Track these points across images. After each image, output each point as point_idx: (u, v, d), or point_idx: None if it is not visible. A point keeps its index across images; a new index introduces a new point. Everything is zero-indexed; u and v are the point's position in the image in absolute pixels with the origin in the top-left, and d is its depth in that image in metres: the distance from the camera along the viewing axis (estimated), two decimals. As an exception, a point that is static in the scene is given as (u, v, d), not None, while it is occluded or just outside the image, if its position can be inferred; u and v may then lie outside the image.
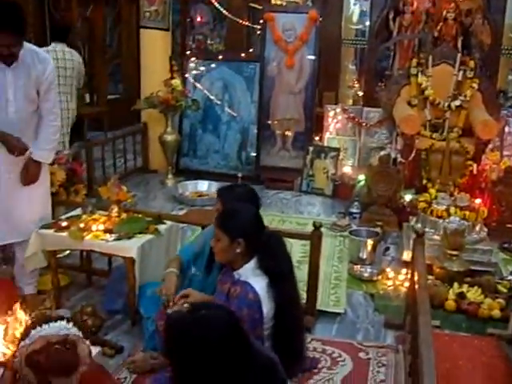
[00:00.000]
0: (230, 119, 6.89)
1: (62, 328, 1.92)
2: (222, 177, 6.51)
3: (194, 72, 6.99)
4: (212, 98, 6.86)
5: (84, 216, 3.83)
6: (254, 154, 6.82)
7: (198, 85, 6.89)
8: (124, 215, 3.82)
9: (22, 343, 1.91)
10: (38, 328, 1.90)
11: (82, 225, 3.67)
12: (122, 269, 3.93)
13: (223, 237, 2.87)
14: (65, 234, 3.65)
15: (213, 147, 6.96)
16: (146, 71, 7.05)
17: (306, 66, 6.79)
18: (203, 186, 6.27)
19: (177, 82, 6.38)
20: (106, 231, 3.64)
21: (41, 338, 1.87)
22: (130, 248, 3.51)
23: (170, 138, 6.57)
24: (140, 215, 3.86)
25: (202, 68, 7.02)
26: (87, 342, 2.03)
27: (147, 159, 7.10)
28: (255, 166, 6.80)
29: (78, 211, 3.99)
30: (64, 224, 3.71)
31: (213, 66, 7.01)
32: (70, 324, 1.98)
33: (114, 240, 3.57)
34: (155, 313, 3.25)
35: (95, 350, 3.10)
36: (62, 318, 1.99)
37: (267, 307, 2.82)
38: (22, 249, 3.83)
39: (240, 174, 6.00)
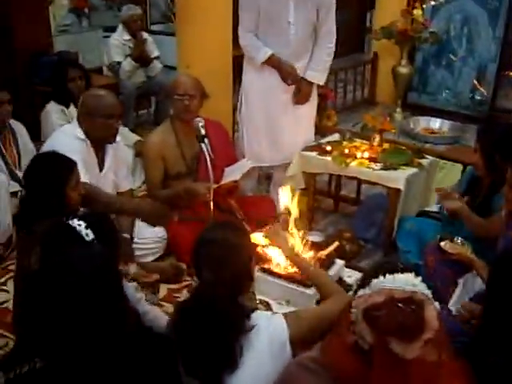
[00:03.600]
0: (466, 55, 6.47)
1: (408, 283, 1.58)
2: (451, 115, 6.23)
3: (433, 2, 6.62)
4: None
5: (344, 142, 3.86)
6: (489, 95, 6.38)
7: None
8: (386, 145, 3.79)
9: (361, 292, 1.62)
10: (381, 278, 1.60)
11: (346, 151, 3.70)
12: (376, 198, 3.96)
13: None
14: (328, 158, 3.71)
15: (444, 84, 6.61)
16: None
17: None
18: (435, 123, 6.03)
19: (419, 12, 6.09)
20: (370, 160, 3.65)
21: (384, 291, 1.57)
22: (398, 179, 3.48)
23: (403, 70, 6.35)
24: (403, 147, 3.80)
25: (441, -1, 6.62)
26: (436, 304, 1.63)
27: (374, 91, 6.97)
28: (489, 107, 6.38)
29: (335, 137, 4.03)
30: (328, 148, 3.77)
31: (453, -4, 6.57)
32: (418, 279, 1.61)
33: (381, 169, 3.56)
34: (414, 247, 3.23)
35: (355, 275, 3.19)
36: (409, 270, 1.64)
37: None
38: (280, 169, 3.98)
39: None
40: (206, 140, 3.20)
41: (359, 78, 6.98)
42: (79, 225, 2.04)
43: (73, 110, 4.28)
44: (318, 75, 3.77)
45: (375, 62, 6.84)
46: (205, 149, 3.17)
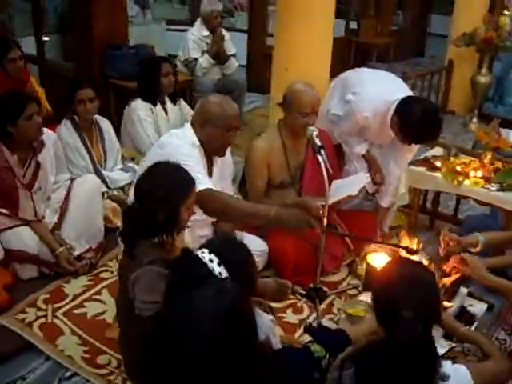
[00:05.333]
0: (549, 66, 6.19)
1: None
2: (529, 130, 5.94)
3: (516, 9, 6.33)
4: None
5: (451, 158, 3.62)
6: None
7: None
8: (498, 164, 3.54)
9: None
10: None
11: (458, 168, 3.46)
12: (479, 219, 3.72)
13: None
14: (437, 174, 3.49)
15: (523, 95, 6.35)
16: (460, 5, 6.54)
17: None
18: (515, 137, 5.73)
19: (505, 19, 5.80)
20: (484, 179, 3.41)
21: None
22: (516, 202, 3.25)
23: (483, 79, 6.07)
24: (519, 167, 3.55)
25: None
26: None
27: (447, 99, 6.69)
28: None
29: (439, 151, 3.79)
30: (437, 164, 3.54)
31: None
32: None
33: (497, 190, 3.33)
34: None
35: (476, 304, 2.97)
36: None
37: None
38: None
39: None
40: (322, 151, 2.97)
41: (426, 84, 6.67)
42: (211, 260, 1.80)
43: (159, 109, 4.10)
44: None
45: (450, 70, 6.55)
46: (321, 161, 2.93)
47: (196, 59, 5.21)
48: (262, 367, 1.47)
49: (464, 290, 2.87)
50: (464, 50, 6.18)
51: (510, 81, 6.39)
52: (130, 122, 4.03)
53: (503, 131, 5.62)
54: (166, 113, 4.15)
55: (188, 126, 2.91)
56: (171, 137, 2.91)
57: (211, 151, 2.92)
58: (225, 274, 1.76)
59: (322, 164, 2.93)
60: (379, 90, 3.46)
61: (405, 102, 3.31)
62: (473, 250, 2.82)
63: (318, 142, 3.00)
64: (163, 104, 4.14)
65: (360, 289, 3.22)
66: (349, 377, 1.73)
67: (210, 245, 1.85)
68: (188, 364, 1.34)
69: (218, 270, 1.76)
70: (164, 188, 2.16)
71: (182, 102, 4.35)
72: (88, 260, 3.18)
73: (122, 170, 3.86)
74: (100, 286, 3.09)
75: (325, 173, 2.92)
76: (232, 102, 3.00)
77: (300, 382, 1.77)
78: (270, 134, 3.35)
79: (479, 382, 1.78)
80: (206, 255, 1.79)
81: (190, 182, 2.27)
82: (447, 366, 1.72)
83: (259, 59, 6.76)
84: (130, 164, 3.93)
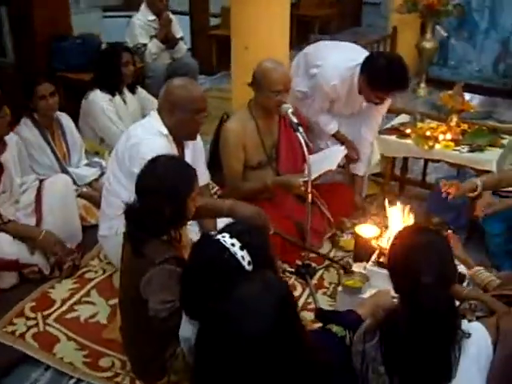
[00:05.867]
0: (489, 27, 6.34)
1: None
2: (474, 89, 6.08)
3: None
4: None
5: (419, 124, 3.67)
6: (513, 67, 6.28)
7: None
8: (464, 126, 3.62)
9: None
10: None
11: (428, 133, 3.52)
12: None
13: None
14: (409, 141, 3.54)
15: (466, 57, 6.49)
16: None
17: None
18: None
19: (445, -16, 5.90)
20: (453, 142, 3.48)
21: None
22: (488, 161, 3.34)
23: (428, 45, 6.18)
24: (484, 127, 3.63)
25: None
26: None
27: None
28: (513, 79, 6.29)
29: (405, 118, 3.84)
30: (407, 131, 3.58)
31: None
32: None
33: (468, 151, 3.40)
34: (504, 229, 3.11)
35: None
36: None
37: None
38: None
39: None
40: (300, 128, 2.95)
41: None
42: (233, 245, 1.77)
43: (119, 100, 3.97)
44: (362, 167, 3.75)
45: (394, 37, 6.63)
46: (301, 137, 2.93)
47: (145, 45, 5.06)
48: (308, 350, 1.46)
49: (451, 252, 2.92)
50: (407, 16, 6.26)
51: (453, 44, 6.54)
52: (92, 114, 3.87)
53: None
54: (125, 103, 4.03)
55: (154, 113, 2.82)
56: (137, 129, 2.84)
57: (182, 136, 2.85)
58: (247, 259, 1.74)
59: (302, 141, 2.92)
60: (341, 57, 3.49)
61: (367, 60, 3.33)
62: (471, 194, 2.88)
63: (294, 119, 2.99)
64: (121, 94, 4.01)
65: (347, 260, 3.24)
66: (372, 348, 1.75)
67: (229, 229, 1.81)
68: (248, 358, 1.32)
69: (241, 254, 1.73)
70: (169, 182, 2.10)
71: (139, 88, 4.24)
72: (71, 262, 3.06)
73: (87, 165, 3.72)
74: (87, 288, 2.98)
75: (305, 149, 2.92)
76: (196, 84, 2.96)
77: (336, 362, 1.76)
78: (241, 114, 3.28)
79: (494, 340, 1.82)
80: (227, 239, 1.76)
81: (192, 172, 2.22)
82: (465, 324, 1.75)
83: (204, 41, 6.66)
84: (95, 159, 3.80)
